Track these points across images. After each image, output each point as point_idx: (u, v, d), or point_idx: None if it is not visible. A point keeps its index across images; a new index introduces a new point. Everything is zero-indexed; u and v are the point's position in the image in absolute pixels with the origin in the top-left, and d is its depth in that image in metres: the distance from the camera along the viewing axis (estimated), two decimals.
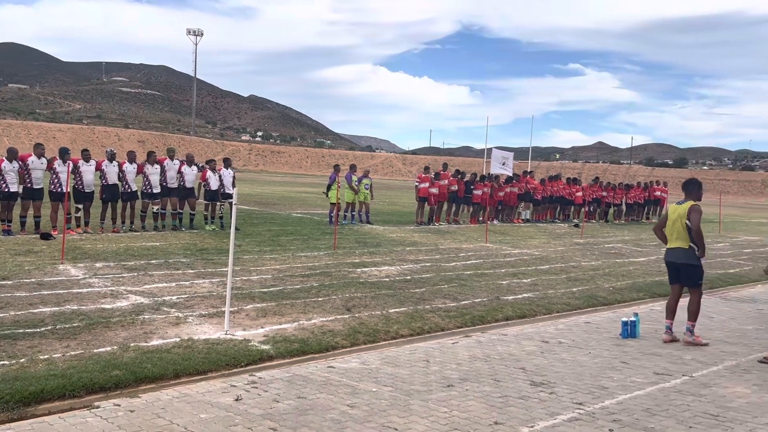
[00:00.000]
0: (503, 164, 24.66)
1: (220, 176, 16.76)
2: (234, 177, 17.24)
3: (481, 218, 22.66)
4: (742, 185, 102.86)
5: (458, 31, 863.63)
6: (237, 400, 5.45)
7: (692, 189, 8.41)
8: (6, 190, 13.48)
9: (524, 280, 12.05)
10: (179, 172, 16.31)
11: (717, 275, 14.09)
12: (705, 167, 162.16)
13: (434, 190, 21.53)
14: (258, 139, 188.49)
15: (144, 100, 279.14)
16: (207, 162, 17.12)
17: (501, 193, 23.66)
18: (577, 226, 24.03)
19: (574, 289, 11.40)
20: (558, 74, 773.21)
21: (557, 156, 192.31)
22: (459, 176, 22.76)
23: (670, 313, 8.33)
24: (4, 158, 13.68)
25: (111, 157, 15.22)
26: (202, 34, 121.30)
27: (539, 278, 12.37)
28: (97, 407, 5.17)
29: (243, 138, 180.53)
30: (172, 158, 16.38)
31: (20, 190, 13.78)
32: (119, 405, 5.23)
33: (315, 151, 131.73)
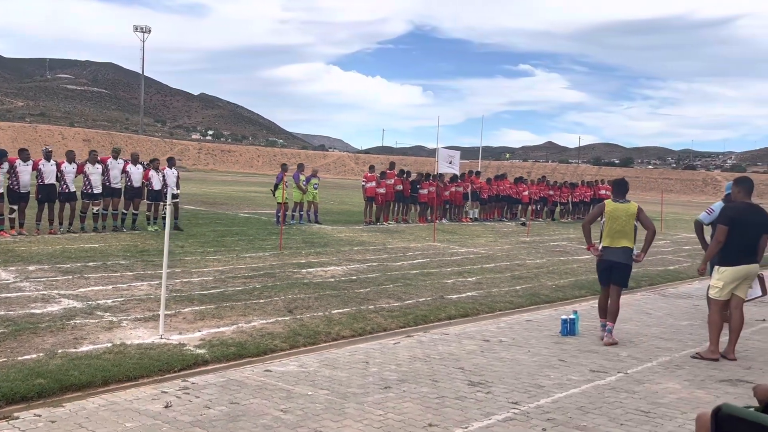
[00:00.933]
0: (450, 163, 24.81)
1: (163, 176, 16.38)
2: (178, 177, 16.88)
3: (429, 217, 22.73)
4: (684, 184, 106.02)
5: (410, 31, 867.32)
6: (166, 407, 5.28)
7: (623, 189, 8.37)
8: None
9: (469, 279, 12.10)
10: (124, 171, 15.89)
11: (657, 272, 14.43)
12: (650, 166, 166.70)
13: (381, 190, 21.52)
14: (209, 137, 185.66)
15: (90, 98, 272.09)
16: (150, 161, 16.73)
17: (447, 192, 23.79)
18: (523, 224, 24.34)
19: (518, 288, 11.50)
20: (509, 75, 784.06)
21: (507, 155, 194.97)
22: (404, 176, 22.80)
23: (604, 312, 8.31)
24: None
25: (47, 156, 14.71)
26: (149, 31, 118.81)
27: (484, 277, 12.44)
28: (16, 418, 4.94)
29: (193, 137, 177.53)
30: (116, 157, 15.94)
31: None
32: (40, 416, 5.01)
33: (267, 150, 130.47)
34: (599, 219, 8.40)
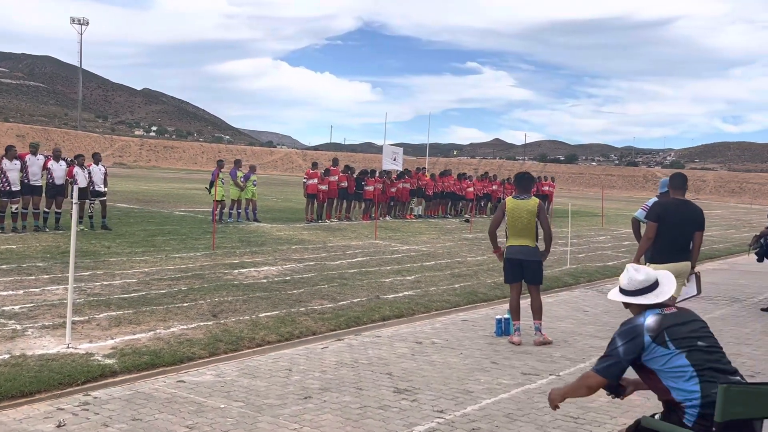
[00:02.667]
0: (394, 159, 24.58)
1: (89, 172, 15.60)
2: (105, 174, 16.11)
3: (373, 215, 22.44)
4: (626, 180, 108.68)
5: (359, 27, 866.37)
6: (59, 426, 4.80)
7: (526, 185, 8.08)
8: None
9: (408, 278, 11.82)
10: (45, 168, 15.06)
11: (596, 268, 14.44)
12: (594, 163, 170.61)
13: (323, 187, 21.09)
14: (152, 134, 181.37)
15: (26, 92, 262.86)
16: (75, 157, 15.91)
17: (393, 189, 23.54)
18: (467, 221, 24.27)
19: (456, 286, 11.27)
20: (457, 72, 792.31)
21: (455, 152, 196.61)
22: (349, 172, 22.43)
23: (516, 313, 7.96)
24: None
25: None
26: (87, 23, 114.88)
27: (423, 275, 12.18)
28: None
29: (136, 133, 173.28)
30: (35, 153, 15.09)
31: None
32: None
33: (211, 146, 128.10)
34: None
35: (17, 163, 14.49)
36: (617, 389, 3.49)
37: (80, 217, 15.64)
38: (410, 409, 5.41)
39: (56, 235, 14.61)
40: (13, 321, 7.49)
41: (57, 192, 15.18)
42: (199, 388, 5.76)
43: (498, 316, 8.30)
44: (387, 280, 11.44)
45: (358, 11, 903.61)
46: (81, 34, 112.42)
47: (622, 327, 3.36)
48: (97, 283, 9.81)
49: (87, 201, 15.62)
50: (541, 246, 8.02)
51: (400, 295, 10.23)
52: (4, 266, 10.71)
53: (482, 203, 28.15)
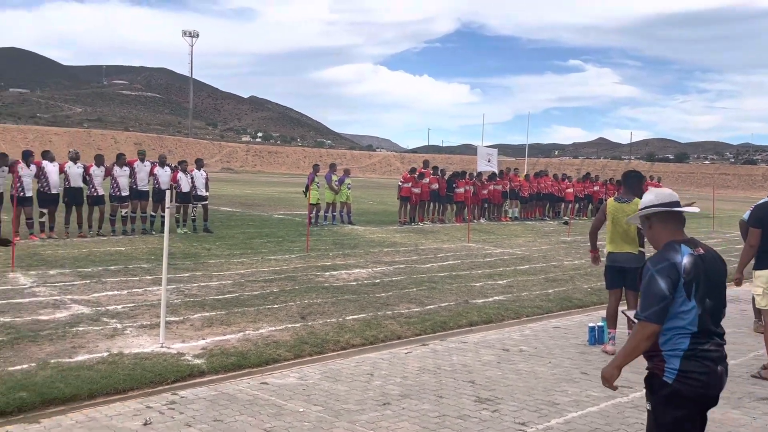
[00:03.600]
0: (488, 161, 24.17)
1: (191, 177, 16.29)
2: (207, 178, 16.77)
3: (466, 217, 22.16)
4: (742, 179, 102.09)
5: (458, 29, 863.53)
6: (145, 424, 4.97)
7: (633, 183, 7.65)
8: None
9: (499, 282, 11.55)
10: (152, 173, 15.87)
11: None
12: (707, 161, 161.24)
13: (416, 190, 21.05)
14: (258, 140, 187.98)
15: (144, 102, 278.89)
16: (178, 163, 16.66)
17: (484, 191, 23.15)
18: (566, 223, 23.51)
19: (550, 291, 10.89)
20: (558, 71, 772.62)
21: (557, 152, 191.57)
22: (440, 174, 22.25)
23: (613, 321, 7.55)
24: None
25: (74, 159, 14.76)
26: (197, 36, 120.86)
27: (515, 279, 11.87)
28: None
29: (243, 139, 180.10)
30: (142, 160, 15.92)
31: None
32: None
33: (313, 151, 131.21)
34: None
35: (126, 170, 15.35)
36: None
37: (183, 221, 16.37)
38: (490, 420, 5.23)
39: (161, 237, 15.30)
40: (114, 320, 7.88)
41: (162, 196, 15.90)
42: (281, 391, 5.82)
43: (591, 324, 7.93)
44: (477, 284, 11.22)
45: (457, 13, 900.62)
46: (192, 46, 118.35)
47: (659, 264, 3.24)
48: (195, 285, 10.19)
49: (190, 205, 16.31)
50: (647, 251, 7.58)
51: (490, 300, 9.99)
52: (112, 267, 11.34)
53: (582, 205, 27.17)
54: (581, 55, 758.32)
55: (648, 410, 3.36)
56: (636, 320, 3.32)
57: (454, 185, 22.20)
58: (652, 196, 3.50)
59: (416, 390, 5.92)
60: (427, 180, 21.41)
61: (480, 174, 23.83)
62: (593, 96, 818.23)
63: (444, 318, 8.67)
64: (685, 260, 3.23)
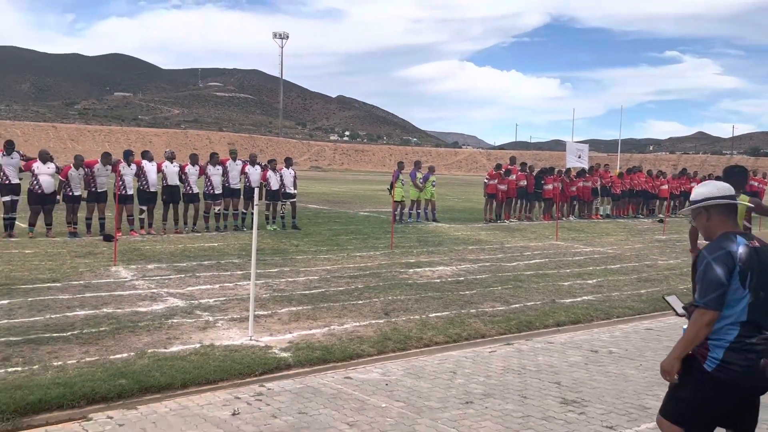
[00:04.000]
0: (579, 157, 23.51)
1: (280, 176, 16.71)
2: (295, 177, 17.16)
3: (554, 214, 21.66)
4: None
5: (547, 23, 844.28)
6: (234, 414, 5.14)
7: (737, 179, 7.13)
8: (71, 194, 13.95)
9: (588, 281, 11.22)
10: (243, 172, 16.40)
11: None
12: None
13: (502, 187, 20.74)
14: (345, 138, 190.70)
15: (237, 103, 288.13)
16: (268, 162, 17.12)
17: (573, 188, 22.53)
18: (661, 221, 22.57)
19: (642, 291, 10.49)
20: (654, 63, 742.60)
21: (651, 148, 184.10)
22: (528, 170, 21.82)
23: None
24: (71, 165, 14.15)
25: (170, 158, 15.45)
26: (287, 37, 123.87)
27: (606, 279, 11.50)
28: (90, 420, 4.99)
29: (331, 138, 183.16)
30: (234, 159, 16.48)
31: (85, 195, 14.22)
32: (112, 418, 5.03)
33: (399, 148, 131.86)
34: None
35: (219, 169, 15.93)
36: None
37: (273, 218, 16.82)
38: (577, 422, 5.09)
39: (252, 234, 15.80)
40: (207, 313, 8.20)
41: (253, 194, 16.43)
42: (364, 386, 5.88)
43: (685, 326, 7.57)
44: (565, 283, 10.95)
45: (547, 7, 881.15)
46: (282, 48, 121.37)
47: (716, 252, 3.29)
48: (283, 280, 10.45)
49: (279, 202, 16.74)
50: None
51: (579, 299, 9.73)
52: (205, 262, 11.79)
53: (678, 202, 26.00)
54: (679, 45, 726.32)
55: (674, 384, 3.43)
56: (682, 311, 3.46)
57: (542, 182, 21.76)
58: (712, 188, 3.51)
59: (500, 389, 5.84)
60: (514, 177, 21.06)
61: (569, 170, 23.23)
62: (692, 88, 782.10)
63: (530, 317, 8.51)
64: (741, 250, 3.28)
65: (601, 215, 23.83)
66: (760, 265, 3.30)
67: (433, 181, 20.21)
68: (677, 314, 3.78)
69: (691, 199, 3.58)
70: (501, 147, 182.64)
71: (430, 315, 8.41)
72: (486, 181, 21.12)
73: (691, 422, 3.37)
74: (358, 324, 7.87)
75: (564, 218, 21.84)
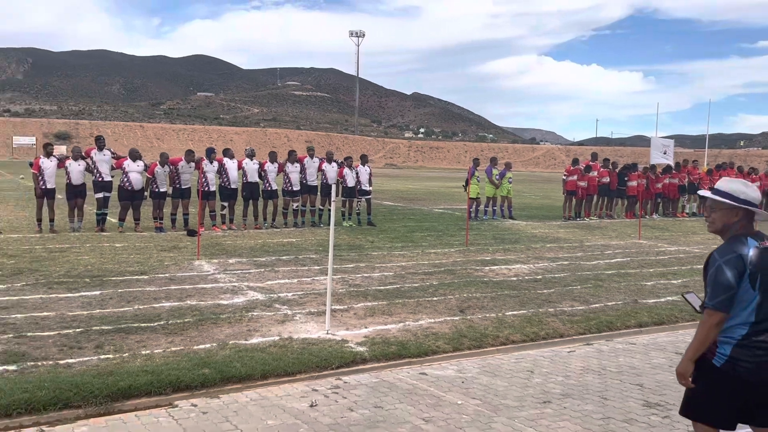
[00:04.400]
0: (664, 153, 22.65)
1: (356, 173, 16.88)
2: (371, 174, 17.28)
3: (637, 212, 20.97)
4: None
5: (629, 15, 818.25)
6: (311, 406, 5.23)
7: None
8: (157, 190, 14.55)
9: (673, 281, 10.82)
10: (320, 169, 16.66)
11: None
12: None
13: (583, 183, 20.23)
14: (420, 135, 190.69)
15: (314, 102, 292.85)
16: (344, 159, 17.32)
17: (658, 185, 21.73)
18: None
19: None
20: (745, 54, 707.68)
21: (742, 143, 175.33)
22: (611, 167, 21.19)
23: None
24: (157, 163, 14.74)
25: (251, 156, 15.86)
26: (363, 35, 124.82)
27: (692, 279, 11.06)
28: (175, 407, 5.19)
29: (406, 135, 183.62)
30: (312, 156, 16.75)
31: (170, 191, 14.79)
32: (196, 405, 5.22)
33: (474, 145, 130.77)
34: None
35: (297, 166, 16.24)
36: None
37: (349, 214, 17.01)
38: (660, 426, 4.92)
39: (329, 230, 16.03)
40: (285, 306, 8.38)
41: (330, 191, 16.66)
42: (440, 382, 5.87)
43: None
44: (648, 283, 10.59)
45: None
46: (358, 46, 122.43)
47: (726, 255, 3.36)
48: (359, 275, 10.56)
49: (354, 199, 16.92)
50: None
51: (662, 300, 9.40)
52: (284, 257, 12.05)
53: None
54: None
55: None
56: (701, 309, 3.52)
57: (625, 178, 21.09)
58: (755, 194, 3.51)
59: (579, 390, 5.71)
60: (595, 173, 20.52)
61: (653, 167, 22.44)
62: None
63: (610, 317, 8.28)
64: (752, 252, 3.35)
65: (687, 213, 22.91)
66: None
67: (510, 178, 19.94)
68: (696, 311, 3.77)
69: (728, 192, 3.50)
70: (580, 143, 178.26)
71: (507, 313, 8.32)
72: (565, 177, 20.66)
73: (710, 416, 3.48)
74: (433, 320, 7.86)
75: (647, 216, 21.11)
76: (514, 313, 8.35)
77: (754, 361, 3.36)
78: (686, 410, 3.60)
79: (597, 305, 8.95)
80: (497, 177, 19.57)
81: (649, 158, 24.38)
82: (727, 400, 3.42)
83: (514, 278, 10.69)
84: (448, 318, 8.00)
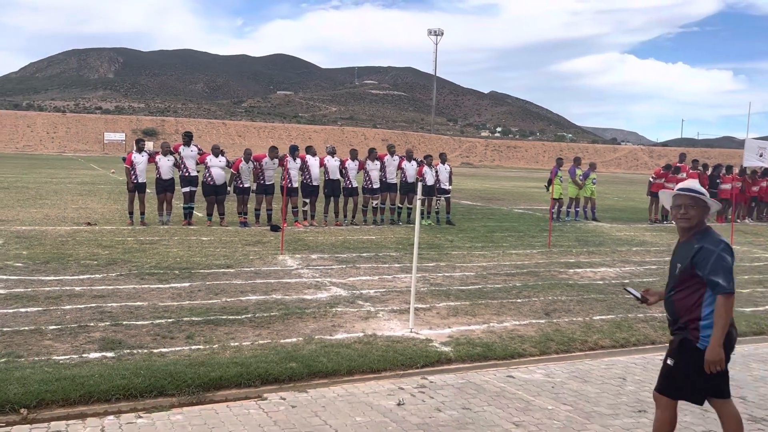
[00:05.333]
0: (760, 155, 21.41)
1: (436, 171, 16.79)
2: (450, 172, 17.16)
3: (729, 216, 19.98)
4: None
5: (720, 11, 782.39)
6: (399, 404, 5.21)
7: None
8: (241, 185, 14.91)
9: None
10: (400, 167, 16.67)
11: None
12: None
13: (670, 185, 19.42)
14: (497, 134, 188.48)
15: (391, 100, 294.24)
16: (424, 157, 17.25)
17: (755, 188, 20.62)
18: None
19: None
20: None
21: None
22: (700, 168, 20.26)
23: None
24: (241, 159, 15.10)
25: (332, 153, 16.02)
26: (442, 34, 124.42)
27: None
28: (265, 399, 5.27)
29: (482, 134, 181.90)
30: (392, 154, 16.78)
31: (253, 187, 15.13)
32: (285, 399, 5.28)
33: (553, 145, 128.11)
34: None
35: (377, 164, 16.30)
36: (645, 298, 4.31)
37: (427, 213, 16.96)
38: None
39: (408, 228, 16.06)
40: (368, 303, 8.40)
41: (409, 189, 16.67)
42: (528, 386, 5.74)
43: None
44: (744, 291, 10.05)
45: None
46: (436, 45, 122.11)
47: (720, 244, 3.75)
48: (440, 274, 10.48)
49: (434, 198, 16.84)
50: None
51: (761, 309, 8.91)
52: (364, 254, 12.11)
53: None
54: None
55: (667, 363, 3.99)
56: (640, 296, 4.27)
57: (718, 181, 20.14)
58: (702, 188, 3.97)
59: None
60: (684, 175, 19.68)
61: (745, 169, 21.31)
62: None
63: None
64: (725, 239, 3.85)
65: None
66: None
67: (594, 179, 19.39)
68: (638, 300, 4.37)
69: (703, 192, 3.93)
70: (664, 143, 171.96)
71: (594, 317, 8.07)
72: (652, 179, 19.91)
73: (687, 394, 3.92)
74: (518, 323, 7.71)
75: (739, 220, 20.10)
76: (602, 317, 8.10)
77: (729, 339, 3.79)
78: (664, 388, 3.98)
79: None
80: (581, 177, 19.06)
81: (740, 160, 23.18)
82: (705, 378, 3.80)
83: (600, 281, 10.37)
84: (534, 320, 7.83)
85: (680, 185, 4.03)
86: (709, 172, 20.68)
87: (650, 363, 6.56)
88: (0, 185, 24.50)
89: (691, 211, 3.88)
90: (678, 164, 20.05)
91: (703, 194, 3.91)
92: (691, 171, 19.98)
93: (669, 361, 3.96)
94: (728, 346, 3.80)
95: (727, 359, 3.82)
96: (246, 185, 15.13)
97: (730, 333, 3.80)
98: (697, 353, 3.78)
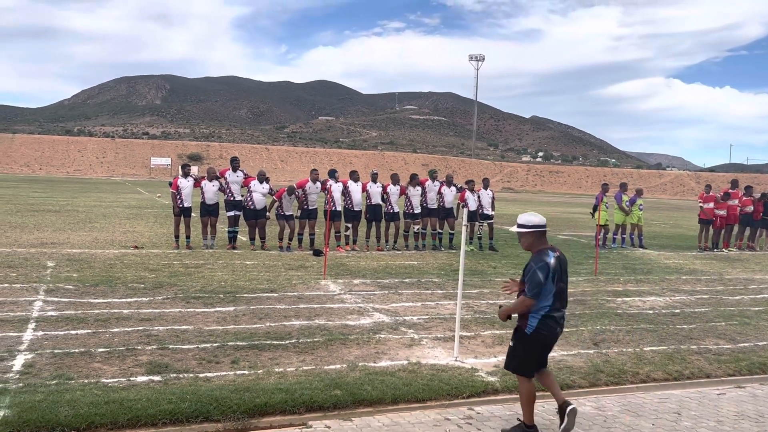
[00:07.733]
0: None
1: (478, 196, 16.67)
2: (493, 198, 17.02)
3: None
4: None
5: None
6: None
7: None
8: (282, 213, 15.03)
9: None
10: (439, 192, 16.61)
11: None
12: None
13: (721, 212, 18.93)
14: (539, 159, 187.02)
15: (431, 125, 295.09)
16: (466, 182, 17.16)
17: None
18: None
19: None
20: None
21: None
22: (754, 195, 19.68)
23: None
24: (285, 190, 15.22)
25: (374, 179, 16.04)
26: (483, 59, 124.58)
27: None
28: (309, 427, 5.22)
29: (524, 159, 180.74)
30: (433, 180, 16.74)
31: (297, 214, 15.23)
32: (330, 427, 5.22)
33: (596, 170, 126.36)
34: None
35: (419, 189, 16.27)
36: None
37: (470, 238, 16.80)
38: None
39: (449, 253, 15.94)
40: (411, 330, 8.31)
41: (448, 214, 16.58)
42: (579, 419, 5.55)
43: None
44: None
45: None
46: (477, 70, 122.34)
47: (539, 263, 5.02)
48: (483, 301, 10.34)
49: (476, 223, 16.70)
50: None
51: None
52: (407, 280, 12.03)
53: None
54: None
55: (510, 345, 5.29)
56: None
57: None
58: (535, 218, 5.22)
59: None
60: (736, 201, 19.16)
61: None
62: None
63: (763, 359, 7.60)
64: (552, 260, 5.05)
65: None
66: (560, 267, 5.10)
67: (641, 204, 19.00)
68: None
69: (523, 224, 5.20)
70: (711, 169, 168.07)
71: (645, 348, 7.83)
72: (701, 205, 19.42)
73: (526, 369, 5.17)
74: (565, 353, 7.52)
75: None
76: (653, 348, 7.85)
77: (548, 329, 5.10)
78: (510, 366, 5.31)
79: (746, 344, 8.25)
80: (627, 203, 18.70)
81: None
82: (534, 356, 5.17)
83: (650, 311, 10.09)
84: (582, 351, 7.63)
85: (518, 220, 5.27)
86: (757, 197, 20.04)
87: (706, 398, 6.33)
88: (52, 209, 25.21)
89: (521, 239, 5.26)
90: (729, 190, 19.53)
91: (523, 226, 5.19)
92: (744, 198, 19.42)
93: (511, 343, 5.30)
94: (551, 336, 5.18)
95: (554, 342, 5.28)
96: (287, 213, 15.19)
97: (555, 329, 5.14)
98: (525, 337, 5.15)
